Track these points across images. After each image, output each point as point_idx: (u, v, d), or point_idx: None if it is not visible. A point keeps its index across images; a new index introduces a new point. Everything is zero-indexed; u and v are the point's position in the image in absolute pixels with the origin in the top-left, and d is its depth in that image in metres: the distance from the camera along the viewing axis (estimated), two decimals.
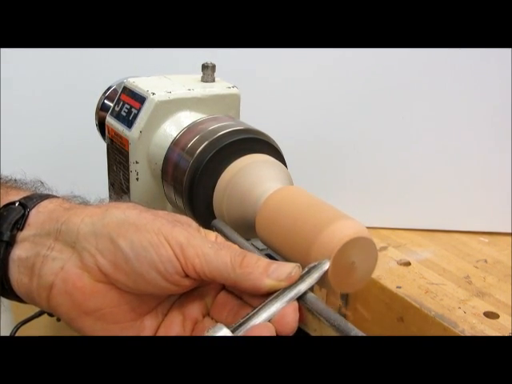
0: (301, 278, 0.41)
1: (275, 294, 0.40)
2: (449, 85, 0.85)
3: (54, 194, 0.49)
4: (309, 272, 0.41)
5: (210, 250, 0.40)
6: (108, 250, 0.40)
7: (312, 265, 0.42)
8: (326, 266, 0.41)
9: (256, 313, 0.39)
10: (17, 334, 0.68)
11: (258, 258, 0.41)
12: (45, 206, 0.45)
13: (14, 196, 0.46)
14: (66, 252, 0.42)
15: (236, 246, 0.44)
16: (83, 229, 0.41)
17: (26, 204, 0.44)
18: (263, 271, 0.40)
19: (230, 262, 0.40)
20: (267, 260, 0.41)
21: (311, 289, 0.42)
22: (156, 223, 0.41)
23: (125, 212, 0.42)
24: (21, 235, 0.43)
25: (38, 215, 0.44)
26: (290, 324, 0.39)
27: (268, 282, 0.40)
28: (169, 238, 0.40)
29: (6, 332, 0.75)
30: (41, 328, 0.82)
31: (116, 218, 0.41)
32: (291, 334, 0.40)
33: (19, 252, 0.43)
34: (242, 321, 0.39)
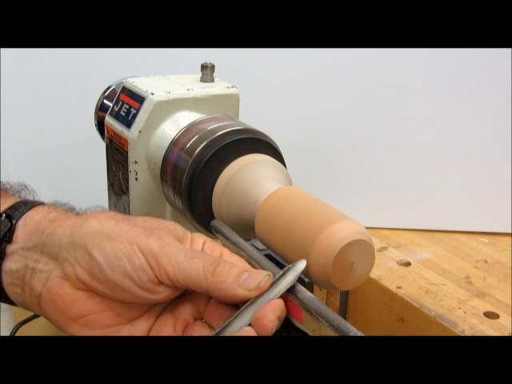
0: (276, 281, 0.41)
1: (251, 300, 0.40)
2: (449, 85, 0.85)
3: (38, 197, 0.50)
4: (284, 275, 0.42)
5: (183, 259, 0.41)
6: (84, 260, 0.42)
7: (287, 267, 0.42)
8: (301, 266, 0.42)
9: (231, 321, 0.40)
10: (17, 334, 0.68)
11: (232, 266, 0.42)
12: (31, 217, 0.46)
13: (1, 206, 0.47)
14: (50, 264, 0.43)
15: (223, 254, 0.44)
16: (64, 240, 0.43)
17: (13, 215, 0.45)
18: (234, 280, 0.41)
19: (203, 271, 0.41)
20: (240, 268, 0.42)
21: (310, 289, 0.42)
22: (131, 233, 0.42)
23: (101, 222, 0.43)
24: (10, 248, 0.45)
25: (25, 228, 0.45)
26: (266, 325, 0.40)
27: (238, 292, 0.41)
28: (142, 248, 0.41)
29: (5, 332, 0.75)
30: (41, 328, 0.82)
31: (92, 229, 0.43)
32: (270, 335, 0.40)
33: (10, 264, 0.44)
34: (218, 330, 0.40)
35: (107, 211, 0.46)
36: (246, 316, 0.40)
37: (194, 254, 0.42)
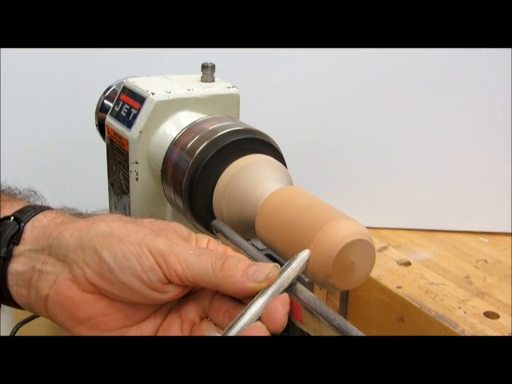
0: (282, 272, 0.42)
1: (260, 293, 0.41)
2: (449, 85, 0.85)
3: (47, 202, 0.50)
4: (289, 264, 0.42)
5: (191, 256, 0.42)
6: (94, 262, 0.42)
7: (292, 257, 0.42)
8: (304, 255, 0.42)
9: (243, 314, 0.40)
10: (17, 334, 0.68)
11: (239, 260, 0.42)
12: (39, 220, 0.46)
13: (9, 209, 0.47)
14: (58, 266, 0.43)
15: (226, 251, 0.45)
16: (72, 242, 0.43)
17: (21, 218, 0.46)
18: (243, 274, 0.41)
19: (211, 267, 0.41)
20: (247, 262, 0.42)
21: (311, 288, 0.42)
22: (139, 234, 0.42)
23: (109, 224, 0.43)
24: (17, 250, 0.45)
25: (32, 230, 0.45)
26: (277, 319, 0.40)
27: (248, 285, 0.41)
28: (151, 248, 0.42)
29: (5, 332, 0.75)
30: (41, 328, 0.82)
31: (101, 231, 0.43)
32: (281, 330, 0.40)
33: (16, 266, 0.44)
34: (231, 323, 0.40)
35: (113, 214, 0.47)
36: (256, 309, 0.40)
37: (201, 251, 0.42)
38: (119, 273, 0.41)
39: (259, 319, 0.40)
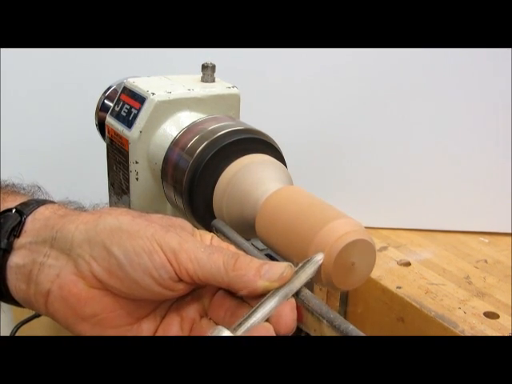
0: (295, 274, 0.41)
1: (271, 292, 0.40)
2: (449, 84, 0.85)
3: (51, 198, 0.49)
4: (303, 267, 0.42)
5: (202, 255, 0.41)
6: (102, 257, 0.41)
7: (306, 260, 0.42)
8: (319, 258, 0.42)
9: (253, 312, 0.40)
10: (17, 334, 0.68)
11: (251, 259, 0.41)
12: (41, 212, 0.45)
13: (11, 202, 0.46)
14: (61, 259, 0.42)
15: (229, 249, 0.44)
16: (78, 236, 0.42)
17: (23, 211, 0.45)
18: (256, 273, 0.40)
19: (223, 265, 0.40)
20: (260, 261, 0.41)
21: (311, 288, 0.42)
22: (149, 229, 0.41)
23: (118, 218, 0.42)
24: (17, 242, 0.44)
25: (34, 222, 0.44)
26: (287, 324, 0.40)
27: (261, 284, 0.40)
28: (162, 244, 0.41)
29: (6, 332, 0.75)
30: (41, 328, 0.82)
31: (109, 225, 0.42)
32: (290, 334, 0.40)
33: (16, 259, 0.43)
34: (240, 321, 0.39)
35: (119, 208, 0.45)
36: (265, 310, 0.39)
37: (212, 250, 0.41)
38: (129, 269, 0.40)
39: (267, 320, 0.40)
